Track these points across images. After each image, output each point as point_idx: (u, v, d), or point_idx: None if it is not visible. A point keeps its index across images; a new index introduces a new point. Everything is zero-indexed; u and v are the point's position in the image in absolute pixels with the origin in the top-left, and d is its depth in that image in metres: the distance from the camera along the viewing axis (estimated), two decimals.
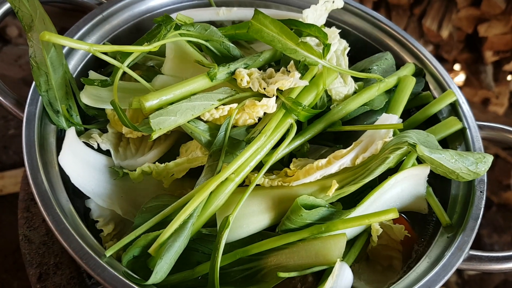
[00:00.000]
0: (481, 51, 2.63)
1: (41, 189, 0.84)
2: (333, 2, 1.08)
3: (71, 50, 1.04)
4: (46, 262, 1.06)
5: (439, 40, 2.62)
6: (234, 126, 0.92)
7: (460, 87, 1.13)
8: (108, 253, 0.80)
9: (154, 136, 0.82)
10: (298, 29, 0.96)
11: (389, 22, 1.24)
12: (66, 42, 0.80)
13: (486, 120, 2.76)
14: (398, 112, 1.03)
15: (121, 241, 0.82)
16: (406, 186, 0.92)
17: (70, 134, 0.92)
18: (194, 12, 1.13)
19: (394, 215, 0.84)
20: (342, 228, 0.84)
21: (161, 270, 0.78)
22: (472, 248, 0.91)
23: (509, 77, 2.67)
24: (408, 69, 1.14)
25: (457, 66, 2.79)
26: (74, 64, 1.05)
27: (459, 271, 0.85)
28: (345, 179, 0.89)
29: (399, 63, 1.20)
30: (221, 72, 0.90)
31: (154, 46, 0.87)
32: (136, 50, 0.88)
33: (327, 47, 0.93)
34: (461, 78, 2.78)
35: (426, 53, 1.19)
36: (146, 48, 0.87)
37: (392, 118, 0.94)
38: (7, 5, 1.04)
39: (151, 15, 1.18)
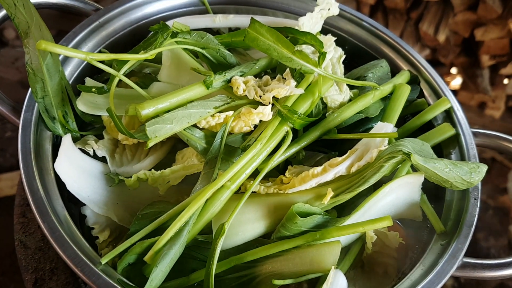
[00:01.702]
0: (478, 55, 2.64)
1: (36, 196, 0.84)
2: (329, 9, 1.08)
3: (67, 57, 1.04)
4: (42, 268, 1.06)
5: (436, 44, 2.63)
6: (230, 134, 0.92)
7: (457, 91, 1.14)
8: (104, 260, 0.81)
9: (150, 144, 0.82)
10: (294, 36, 0.96)
11: (384, 29, 1.24)
12: (63, 51, 0.80)
13: (483, 123, 2.75)
14: (393, 120, 1.04)
15: (117, 249, 0.82)
16: (400, 194, 0.92)
17: (66, 140, 0.92)
18: (190, 19, 1.13)
19: (388, 223, 0.85)
20: (337, 235, 0.84)
21: (156, 277, 0.78)
22: (468, 251, 0.91)
23: (505, 81, 2.68)
24: (403, 77, 1.14)
25: (453, 70, 2.79)
26: (70, 70, 1.05)
27: None
28: (340, 187, 0.89)
29: (394, 70, 1.20)
30: (217, 80, 0.91)
31: (150, 54, 0.87)
32: (133, 58, 0.88)
33: (322, 55, 0.93)
34: (457, 81, 2.79)
35: (421, 60, 1.20)
36: (142, 56, 0.87)
37: (387, 127, 0.95)
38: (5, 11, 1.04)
39: (147, 22, 1.18)
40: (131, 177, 0.92)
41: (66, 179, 0.89)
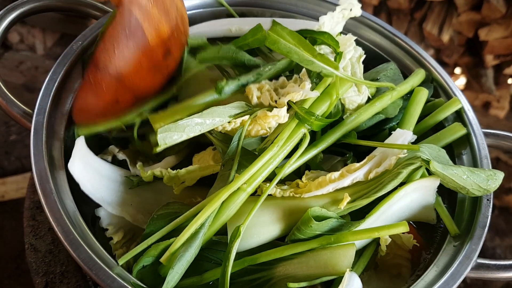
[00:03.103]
0: (482, 55, 2.64)
1: (49, 199, 0.84)
2: (351, 10, 1.07)
3: None
4: (53, 271, 1.06)
5: (440, 44, 2.62)
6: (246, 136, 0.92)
7: (461, 91, 1.14)
8: (121, 261, 0.81)
9: (158, 149, 0.83)
10: (312, 37, 0.96)
11: (393, 29, 1.24)
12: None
13: (487, 123, 2.74)
14: (412, 125, 1.03)
15: (134, 250, 0.82)
16: (415, 197, 0.92)
17: (80, 142, 0.92)
18: (206, 28, 1.13)
19: (404, 228, 0.84)
20: (352, 240, 0.83)
21: (173, 279, 0.78)
22: None
23: (510, 81, 2.68)
24: (419, 76, 1.13)
25: (457, 70, 2.79)
26: None
27: None
28: (357, 192, 0.89)
29: (404, 70, 1.20)
30: (230, 85, 0.91)
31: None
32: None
33: (339, 55, 0.93)
34: (461, 81, 2.79)
35: (431, 60, 1.19)
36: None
37: (407, 135, 0.94)
38: (13, 15, 1.04)
39: None
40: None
41: (80, 179, 0.88)
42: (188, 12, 1.19)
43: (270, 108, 0.90)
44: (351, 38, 1.04)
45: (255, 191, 0.87)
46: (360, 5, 1.10)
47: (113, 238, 0.90)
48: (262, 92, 0.91)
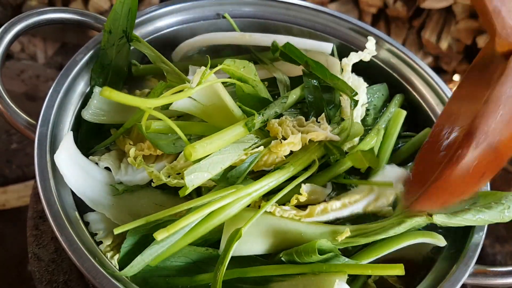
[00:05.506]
0: None
1: (53, 210, 0.85)
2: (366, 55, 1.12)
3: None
4: (56, 280, 1.07)
5: (438, 52, 2.64)
6: None
7: None
8: (117, 231, 0.81)
9: (187, 192, 0.84)
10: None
11: (393, 40, 1.23)
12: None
13: None
14: (387, 153, 1.07)
15: (131, 223, 0.83)
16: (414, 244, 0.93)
17: (68, 137, 0.93)
18: (214, 35, 1.15)
19: (400, 272, 0.81)
20: (344, 270, 0.84)
21: (137, 265, 0.80)
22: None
23: None
24: (397, 103, 1.19)
25: (456, 77, 2.81)
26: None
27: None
28: (357, 230, 0.90)
29: (401, 77, 1.22)
30: (258, 121, 0.93)
31: (195, 91, 0.86)
32: (179, 98, 0.86)
33: (355, 103, 0.99)
34: None
35: (425, 66, 1.20)
36: (187, 94, 0.85)
37: (400, 172, 0.97)
38: (18, 27, 1.05)
39: (158, 35, 1.19)
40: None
41: (64, 171, 0.89)
42: (185, 25, 1.21)
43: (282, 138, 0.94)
44: (363, 83, 1.07)
45: (249, 205, 0.89)
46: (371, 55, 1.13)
47: (102, 243, 0.90)
48: (283, 128, 0.94)
